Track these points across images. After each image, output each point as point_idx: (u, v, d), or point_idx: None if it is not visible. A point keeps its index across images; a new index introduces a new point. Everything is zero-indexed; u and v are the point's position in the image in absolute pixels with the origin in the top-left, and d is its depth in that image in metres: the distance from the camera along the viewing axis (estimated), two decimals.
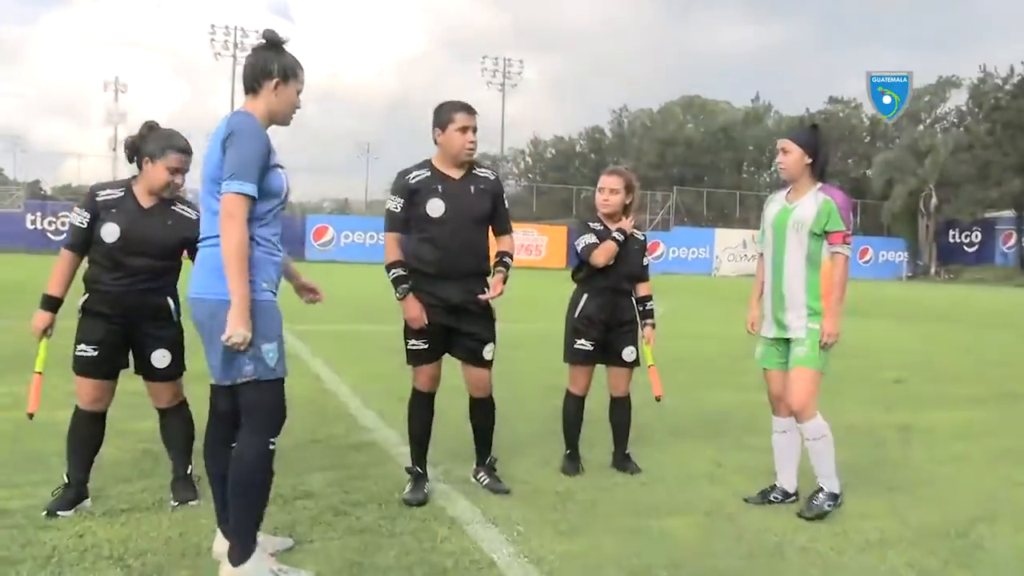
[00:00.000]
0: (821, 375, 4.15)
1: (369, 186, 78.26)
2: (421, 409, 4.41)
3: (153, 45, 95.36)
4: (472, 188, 4.29)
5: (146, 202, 3.93)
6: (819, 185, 4.24)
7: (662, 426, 6.11)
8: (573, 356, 4.87)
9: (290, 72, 3.20)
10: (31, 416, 3.97)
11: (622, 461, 4.96)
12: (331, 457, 5.00)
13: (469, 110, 4.27)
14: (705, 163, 67.31)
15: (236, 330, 2.95)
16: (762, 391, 4.60)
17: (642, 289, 4.99)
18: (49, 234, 40.30)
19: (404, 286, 4.18)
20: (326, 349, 9.64)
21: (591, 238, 4.83)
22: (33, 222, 41.92)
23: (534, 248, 44.97)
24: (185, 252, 3.96)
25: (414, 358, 4.34)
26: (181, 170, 3.93)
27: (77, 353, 3.91)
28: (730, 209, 57.90)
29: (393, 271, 4.21)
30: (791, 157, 4.23)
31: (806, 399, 4.10)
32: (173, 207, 3.98)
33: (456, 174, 4.30)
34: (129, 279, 3.87)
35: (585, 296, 4.87)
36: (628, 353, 4.90)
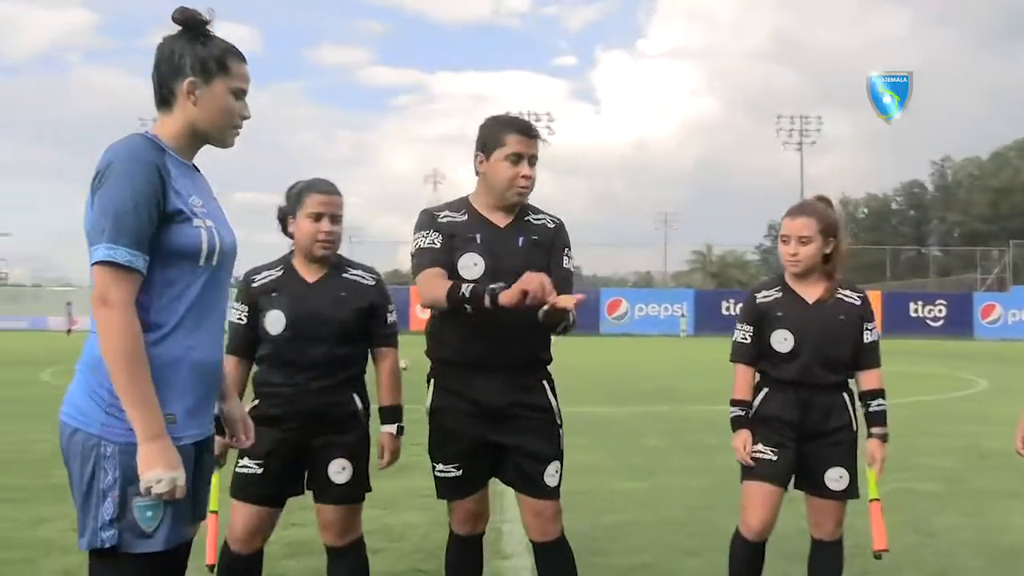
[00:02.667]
0: None
1: (668, 256, 77.25)
2: (462, 556, 3.22)
3: (465, 136, 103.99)
4: (521, 239, 3.10)
5: (310, 275, 3.18)
6: None
7: None
8: (747, 469, 3.39)
9: (213, 65, 2.19)
10: (212, 568, 3.23)
11: None
12: None
13: (528, 131, 3.05)
14: None
15: (148, 473, 1.97)
16: None
17: (866, 380, 3.43)
18: None
19: (492, 289, 2.77)
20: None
21: (744, 335, 3.44)
22: None
23: None
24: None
25: (445, 489, 3.14)
26: (328, 215, 3.13)
27: (237, 470, 3.14)
28: None
29: (459, 290, 2.84)
30: None
31: None
32: (344, 274, 3.22)
33: (501, 220, 3.11)
34: (305, 375, 3.09)
35: (765, 390, 3.42)
36: (835, 478, 3.34)
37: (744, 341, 3.45)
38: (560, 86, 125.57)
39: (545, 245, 3.11)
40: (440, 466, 3.12)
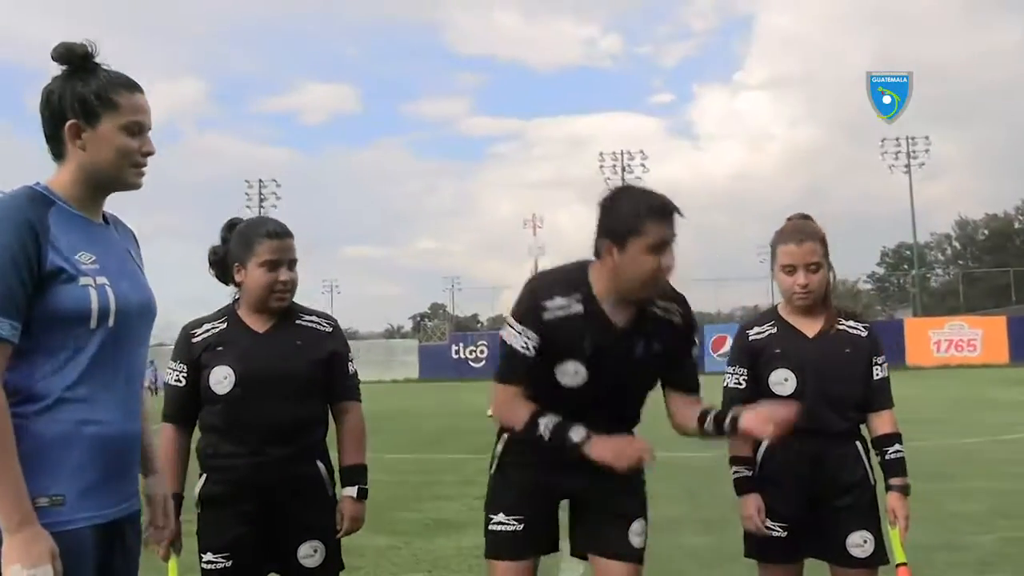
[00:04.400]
0: None
1: (774, 289, 75.21)
2: None
3: (562, 180, 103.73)
4: (641, 346, 2.60)
5: (259, 325, 2.84)
6: None
7: None
8: (756, 548, 2.99)
9: (96, 104, 1.97)
10: None
11: None
12: None
13: (667, 213, 2.49)
14: None
15: (11, 568, 1.74)
16: None
17: (879, 424, 2.99)
18: (471, 362, 44.76)
19: (575, 443, 2.45)
20: None
21: (737, 380, 3.02)
22: (457, 352, 46.49)
23: (966, 344, 39.48)
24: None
25: (498, 545, 2.66)
26: (285, 261, 2.82)
27: (204, 566, 2.79)
28: None
29: (537, 427, 2.51)
30: None
31: None
32: (298, 321, 2.90)
33: (620, 315, 2.59)
34: (259, 442, 2.75)
35: (766, 443, 2.91)
36: (859, 543, 2.89)
37: (738, 386, 3.01)
38: (657, 124, 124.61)
39: (669, 350, 2.65)
40: (498, 517, 2.67)
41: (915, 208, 53.43)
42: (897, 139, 53.52)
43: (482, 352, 44.95)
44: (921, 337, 40.92)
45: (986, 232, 72.41)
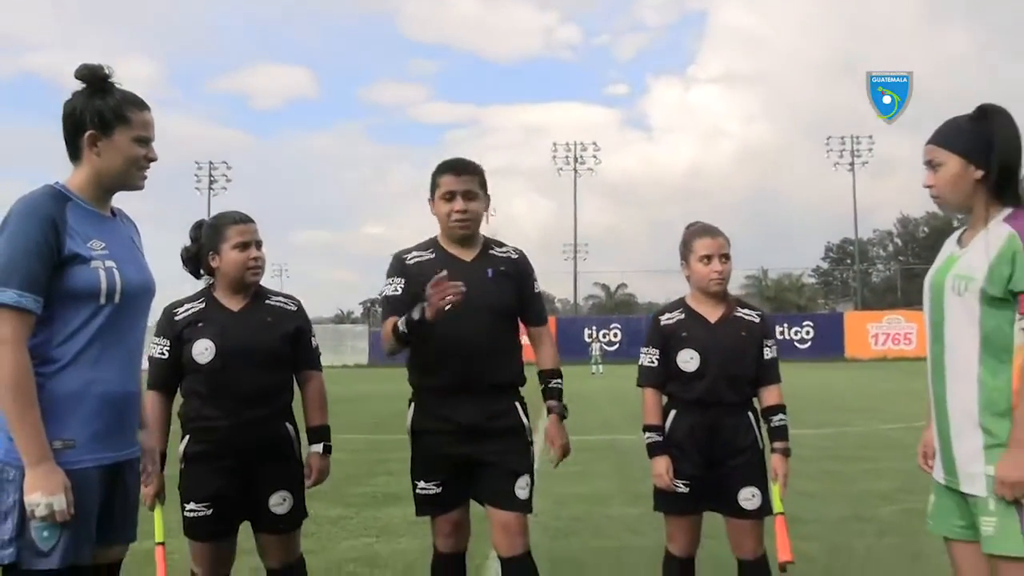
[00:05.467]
0: None
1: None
2: (445, 574, 3.35)
3: (517, 168, 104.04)
4: (491, 272, 3.29)
5: (234, 304, 3.26)
6: (1005, 212, 2.46)
7: None
8: (663, 503, 3.48)
9: (112, 118, 2.37)
10: None
11: None
12: None
13: (457, 170, 3.30)
14: None
15: (28, 497, 2.14)
16: None
17: (768, 396, 3.48)
18: None
19: (409, 315, 3.04)
20: None
21: (651, 359, 3.51)
22: None
23: (903, 337, 40.92)
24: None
25: (426, 506, 3.28)
26: (253, 242, 3.26)
27: (186, 514, 3.19)
28: None
29: (397, 327, 3.10)
30: (945, 173, 2.52)
31: None
32: (268, 301, 3.33)
33: (466, 254, 3.33)
34: (238, 407, 3.15)
35: (673, 412, 3.47)
36: (748, 497, 3.39)
37: (651, 365, 3.50)
38: (612, 115, 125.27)
39: (512, 275, 3.32)
40: (421, 483, 3.28)
41: (858, 205, 54.90)
42: (843, 138, 54.99)
43: None
44: (860, 330, 42.29)
45: (926, 230, 74.51)
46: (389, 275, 3.34)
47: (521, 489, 3.21)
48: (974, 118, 2.53)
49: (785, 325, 45.90)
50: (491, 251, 3.37)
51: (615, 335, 45.24)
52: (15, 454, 2.19)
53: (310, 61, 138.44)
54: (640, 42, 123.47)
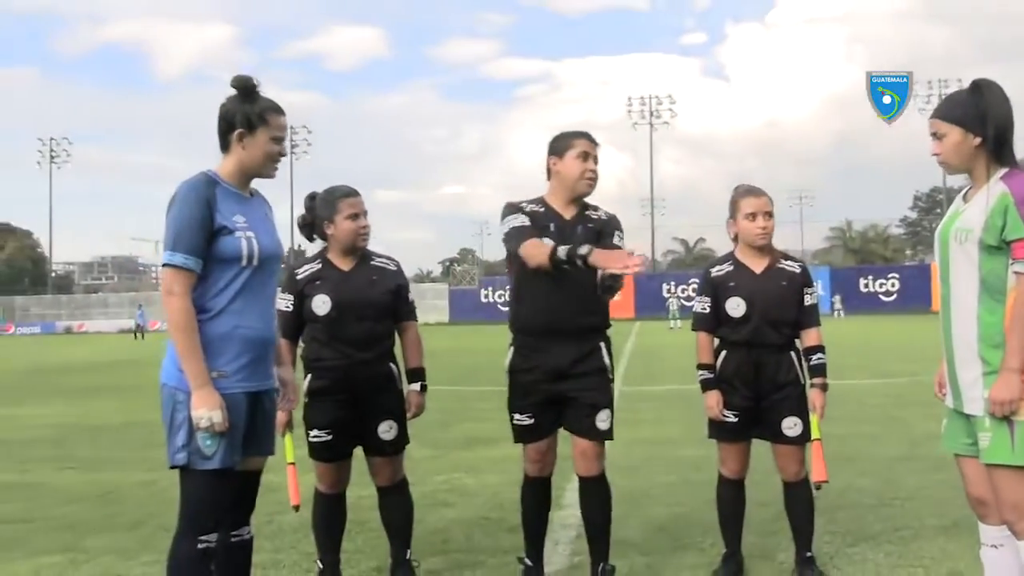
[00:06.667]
0: None
1: (805, 235, 74.97)
2: (532, 494, 3.89)
3: (591, 122, 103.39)
4: (580, 228, 3.74)
5: (345, 265, 3.85)
6: (1001, 172, 2.87)
7: (882, 520, 4.84)
8: (716, 431, 4.01)
9: (256, 120, 2.96)
10: (297, 508, 3.87)
11: (802, 567, 3.92)
12: None
13: (590, 137, 3.80)
14: None
15: (197, 412, 2.79)
16: None
17: (808, 338, 3.96)
18: (500, 306, 45.17)
19: (582, 253, 3.34)
20: None
21: (703, 307, 3.98)
22: (486, 296, 47.66)
23: None
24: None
25: (520, 434, 3.83)
26: (361, 212, 3.83)
27: (311, 440, 3.83)
28: None
29: (555, 252, 3.43)
30: (948, 142, 2.93)
31: (1014, 511, 2.81)
32: (372, 262, 3.91)
33: (568, 212, 3.78)
34: (351, 350, 3.76)
35: (723, 353, 3.97)
36: (790, 425, 3.89)
37: (703, 311, 4.00)
38: (688, 65, 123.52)
39: (598, 231, 3.75)
40: (517, 415, 3.82)
41: None
42: (929, 82, 52.76)
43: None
44: None
45: None
46: (511, 213, 3.74)
47: (602, 421, 3.73)
48: (970, 92, 2.95)
49: (870, 278, 45.42)
50: (587, 212, 3.82)
51: (694, 290, 45.11)
52: (185, 382, 2.84)
53: (381, 20, 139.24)
54: None
